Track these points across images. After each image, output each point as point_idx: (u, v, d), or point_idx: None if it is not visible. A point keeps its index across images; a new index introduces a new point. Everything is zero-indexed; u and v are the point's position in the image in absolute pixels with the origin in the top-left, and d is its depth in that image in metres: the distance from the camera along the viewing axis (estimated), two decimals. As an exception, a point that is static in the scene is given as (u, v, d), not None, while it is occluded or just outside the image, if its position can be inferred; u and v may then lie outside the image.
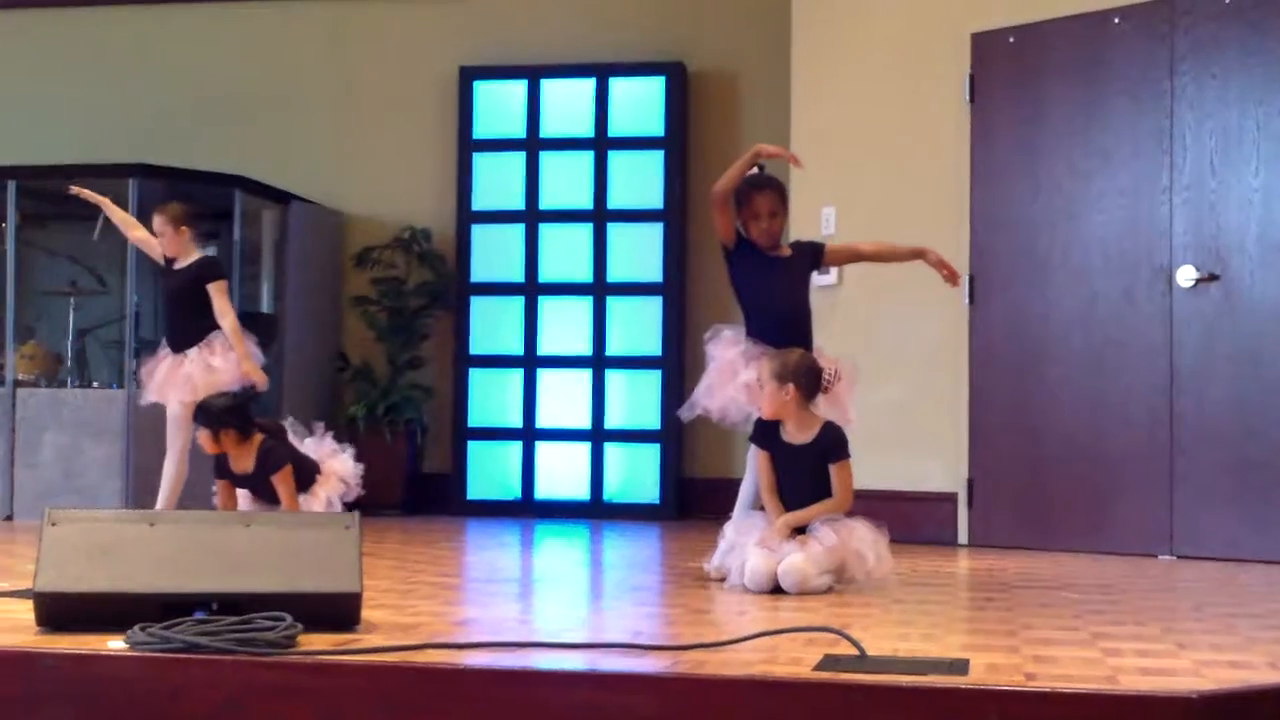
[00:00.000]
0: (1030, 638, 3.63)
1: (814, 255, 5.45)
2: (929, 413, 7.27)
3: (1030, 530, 6.89)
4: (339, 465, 6.17)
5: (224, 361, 6.61)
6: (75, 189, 6.96)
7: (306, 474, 6.05)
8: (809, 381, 4.95)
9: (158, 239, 6.78)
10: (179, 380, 6.60)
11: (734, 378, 5.16)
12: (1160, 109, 6.68)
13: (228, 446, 5.90)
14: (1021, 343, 7.02)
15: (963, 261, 7.11)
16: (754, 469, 5.23)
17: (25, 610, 3.48)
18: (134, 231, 7.00)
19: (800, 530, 4.83)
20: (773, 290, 5.31)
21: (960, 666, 3.06)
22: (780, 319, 5.26)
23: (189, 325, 6.70)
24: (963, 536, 7.11)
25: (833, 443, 4.95)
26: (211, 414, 5.89)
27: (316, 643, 3.19)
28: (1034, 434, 6.96)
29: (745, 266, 5.34)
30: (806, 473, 4.94)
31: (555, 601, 4.82)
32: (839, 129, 7.68)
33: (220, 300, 6.70)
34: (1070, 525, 6.80)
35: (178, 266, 6.77)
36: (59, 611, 3.35)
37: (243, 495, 6.04)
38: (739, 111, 9.48)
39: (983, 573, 5.73)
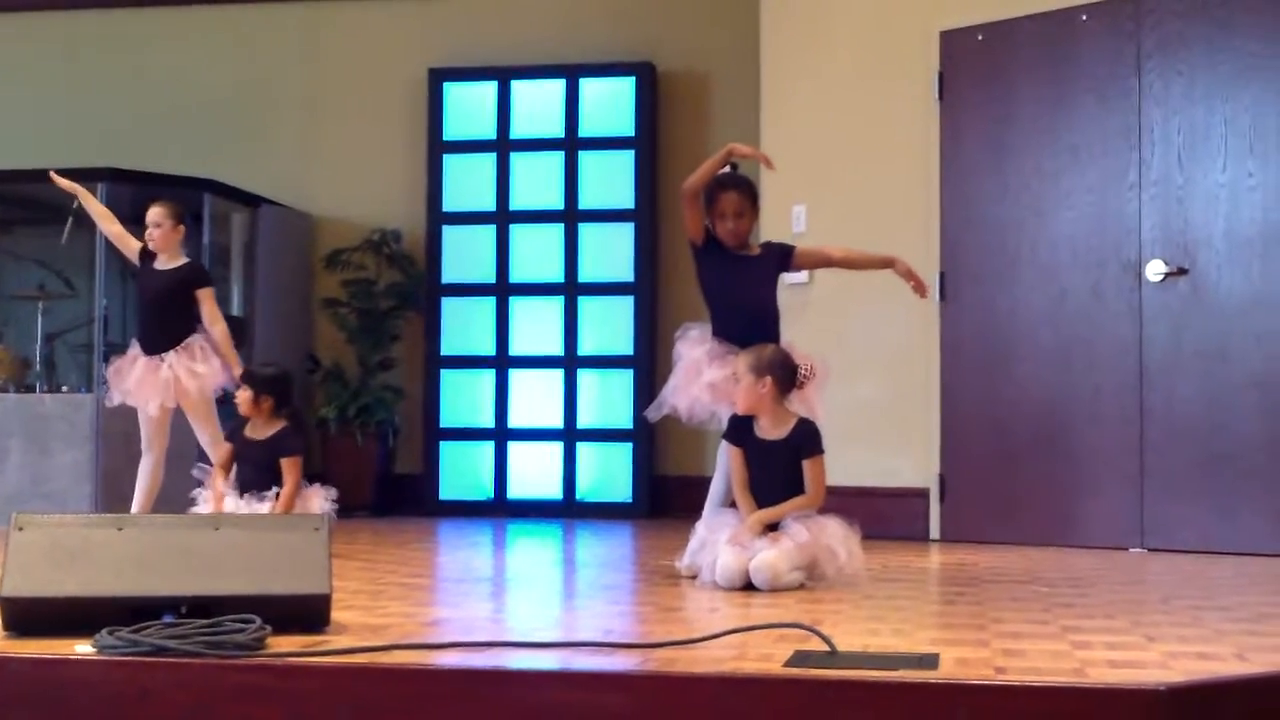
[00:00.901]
0: (1000, 631, 3.64)
1: (783, 257, 5.46)
2: (900, 409, 7.28)
3: (1001, 525, 6.91)
4: (315, 504, 6.12)
5: (206, 367, 6.58)
6: (55, 176, 6.89)
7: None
8: (784, 376, 4.95)
9: (150, 231, 6.68)
10: (159, 384, 6.56)
11: (698, 376, 5.17)
12: (1128, 106, 6.71)
13: (259, 414, 6.11)
14: (991, 339, 7.05)
15: (933, 258, 7.13)
16: (724, 466, 5.24)
17: (-8, 615, 3.46)
18: (111, 225, 6.91)
19: (772, 527, 4.83)
20: (738, 289, 5.31)
21: (930, 661, 3.07)
22: (745, 317, 5.26)
23: (168, 327, 6.64)
24: (934, 532, 7.13)
25: (807, 439, 4.95)
26: (258, 379, 6.14)
27: (286, 644, 3.18)
28: (1004, 429, 6.99)
29: (712, 264, 5.35)
30: (779, 469, 4.94)
31: (527, 601, 4.82)
32: (809, 127, 7.69)
33: (210, 306, 6.67)
34: (1041, 520, 6.82)
35: (160, 267, 6.71)
36: (25, 616, 3.34)
37: (233, 498, 6.06)
38: (709, 111, 9.49)
39: (953, 567, 5.74)
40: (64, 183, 6.87)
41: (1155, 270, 6.58)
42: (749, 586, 4.64)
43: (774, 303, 5.40)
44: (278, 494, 5.93)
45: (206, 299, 6.68)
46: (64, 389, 8.71)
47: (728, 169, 5.36)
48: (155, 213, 6.70)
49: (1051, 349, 6.88)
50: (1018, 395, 6.96)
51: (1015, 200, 7.01)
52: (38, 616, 3.32)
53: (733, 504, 5.07)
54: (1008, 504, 6.95)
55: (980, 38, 7.13)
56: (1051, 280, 6.89)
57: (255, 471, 6.05)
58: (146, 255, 6.75)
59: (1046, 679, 2.86)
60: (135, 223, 6.97)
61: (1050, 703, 2.74)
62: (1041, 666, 3.05)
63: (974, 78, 7.15)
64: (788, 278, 7.26)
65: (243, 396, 6.16)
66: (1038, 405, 6.90)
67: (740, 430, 5.02)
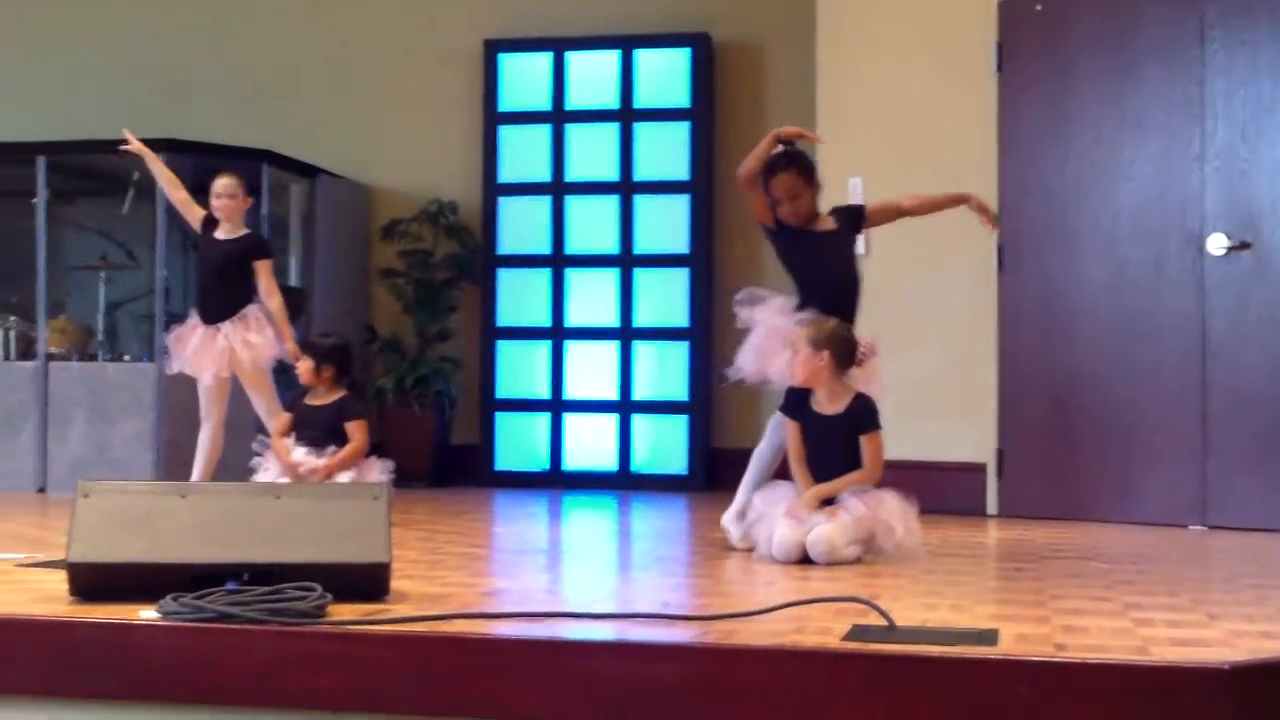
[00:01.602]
0: (1060, 608, 3.62)
1: (854, 221, 5.45)
2: (958, 382, 7.24)
3: (1060, 500, 6.87)
4: (373, 475, 6.20)
5: (260, 337, 6.63)
6: (128, 134, 6.91)
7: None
8: (843, 350, 4.94)
9: (224, 202, 6.73)
10: (215, 353, 6.62)
11: (786, 345, 5.14)
12: (1191, 77, 6.63)
13: (320, 383, 6.26)
14: (1051, 311, 6.99)
15: (991, 230, 7.08)
16: (773, 436, 5.25)
17: (59, 581, 3.50)
18: (176, 192, 6.96)
19: (829, 501, 4.82)
20: (816, 266, 5.31)
21: (989, 637, 3.06)
22: (829, 292, 5.25)
23: (227, 298, 6.70)
24: (992, 507, 7.10)
25: (864, 414, 4.94)
26: (320, 349, 6.31)
27: (346, 613, 3.20)
28: (1064, 403, 6.94)
29: (786, 245, 5.35)
30: (836, 444, 4.93)
31: (583, 572, 4.83)
32: (865, 99, 7.64)
33: (268, 279, 6.73)
34: (1100, 495, 6.78)
35: (221, 236, 6.76)
36: (92, 581, 3.38)
37: (298, 450, 6.19)
38: (765, 82, 9.45)
39: (1012, 543, 5.72)
40: (135, 143, 6.91)
41: (1218, 244, 6.51)
42: (805, 560, 4.63)
43: (854, 272, 5.40)
44: (334, 451, 6.06)
45: (264, 271, 6.73)
46: (126, 358, 8.78)
47: (781, 148, 5.34)
48: (228, 184, 6.75)
49: (1112, 321, 6.82)
50: (1077, 368, 6.91)
51: (1075, 172, 6.95)
52: (104, 582, 3.36)
53: (785, 476, 5.06)
54: (1066, 479, 6.90)
55: (1039, 8, 7.06)
56: (1112, 252, 6.83)
57: (317, 437, 6.14)
58: (208, 224, 6.80)
59: (1108, 656, 2.84)
60: (194, 193, 7.01)
61: (1112, 680, 2.73)
62: (1103, 644, 3.03)
63: (1033, 49, 7.09)
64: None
65: (304, 366, 6.25)
66: (1097, 378, 6.85)
67: (797, 403, 5.01)
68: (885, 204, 5.63)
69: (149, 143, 7.08)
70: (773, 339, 5.19)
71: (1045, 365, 7.01)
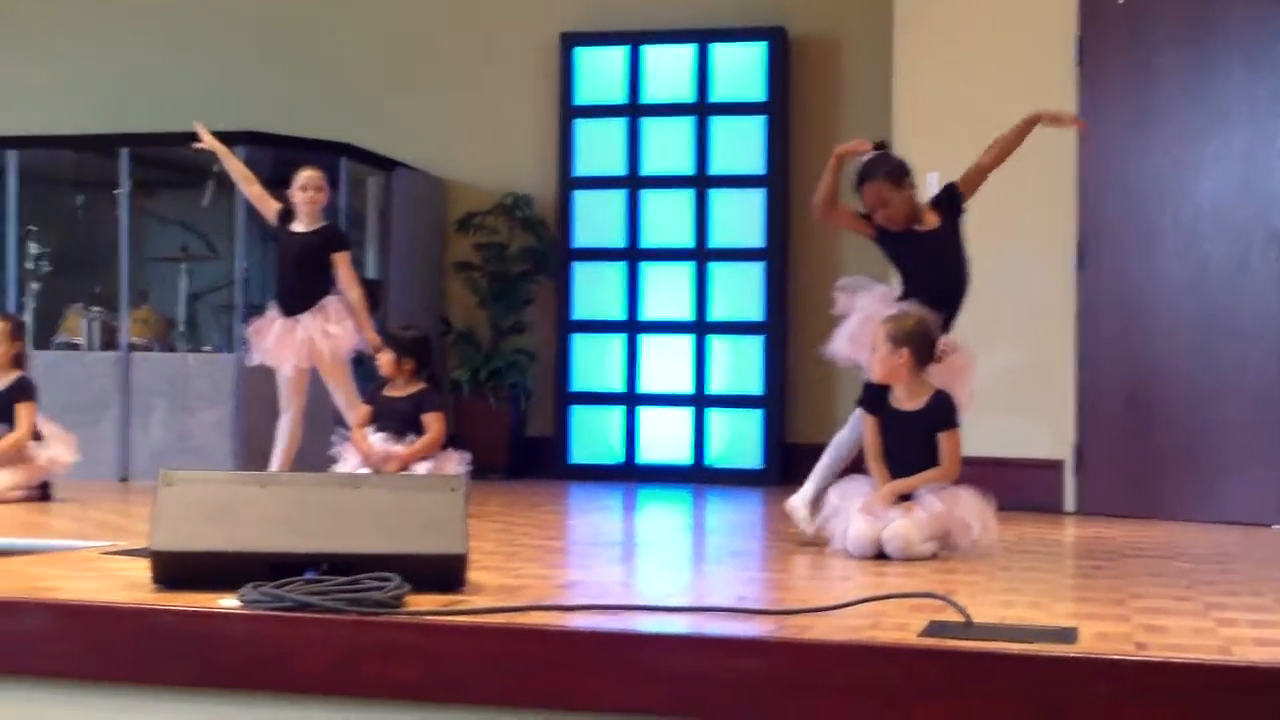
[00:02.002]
0: (1140, 607, 3.58)
1: (953, 203, 5.39)
2: (1036, 379, 7.18)
3: (1139, 498, 6.80)
4: (450, 468, 6.26)
5: (340, 329, 6.69)
6: (200, 129, 6.98)
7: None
8: (923, 348, 4.91)
9: (308, 195, 6.79)
10: (294, 345, 6.68)
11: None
12: (1275, 71, 6.54)
13: (400, 375, 6.34)
14: (1131, 307, 6.92)
15: (1070, 225, 7.03)
16: (853, 428, 5.24)
17: (142, 569, 3.54)
18: (251, 186, 7.03)
19: (905, 497, 4.80)
20: (924, 266, 5.30)
21: (1068, 635, 3.03)
22: (936, 289, 5.23)
23: (306, 289, 6.77)
24: (1070, 504, 7.04)
25: (942, 411, 4.91)
26: (401, 342, 6.39)
27: (423, 603, 3.22)
28: (1143, 400, 6.86)
29: (892, 249, 5.35)
30: (914, 440, 4.90)
31: (658, 565, 4.84)
32: (943, 93, 7.58)
33: (347, 270, 6.79)
34: (1180, 493, 6.70)
35: (299, 229, 6.82)
36: (174, 570, 3.41)
37: (376, 438, 6.26)
38: (841, 76, 9.40)
39: (1090, 541, 5.67)
40: (208, 139, 6.98)
41: (1303, 240, 6.42)
42: (881, 556, 4.61)
43: (961, 267, 5.34)
44: (413, 440, 6.14)
45: (343, 263, 6.78)
46: (206, 349, 8.88)
47: (870, 153, 5.32)
48: (313, 177, 6.81)
49: (1193, 317, 6.74)
50: (1157, 365, 6.84)
51: (1157, 167, 6.87)
52: (185, 570, 3.40)
53: (860, 470, 5.03)
54: (1145, 477, 6.83)
55: (1120, 1, 6.98)
56: (1193, 247, 6.75)
57: (395, 428, 6.21)
58: (285, 217, 6.86)
59: (1190, 655, 2.81)
60: (273, 185, 7.08)
61: (1194, 680, 2.70)
62: (1184, 643, 3.00)
63: (1114, 43, 7.01)
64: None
65: (385, 359, 6.31)
66: (1178, 375, 6.77)
67: (876, 399, 4.99)
68: (970, 171, 5.51)
69: (228, 136, 7.15)
70: (869, 326, 5.16)
71: (1124, 361, 6.94)
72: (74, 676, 3.11)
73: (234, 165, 7.05)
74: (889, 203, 5.24)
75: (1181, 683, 2.71)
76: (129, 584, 3.51)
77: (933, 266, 5.29)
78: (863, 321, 5.21)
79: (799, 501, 5.31)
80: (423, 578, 3.37)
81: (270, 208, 6.92)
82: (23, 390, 6.66)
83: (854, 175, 5.34)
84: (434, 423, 6.27)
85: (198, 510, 3.48)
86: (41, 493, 6.59)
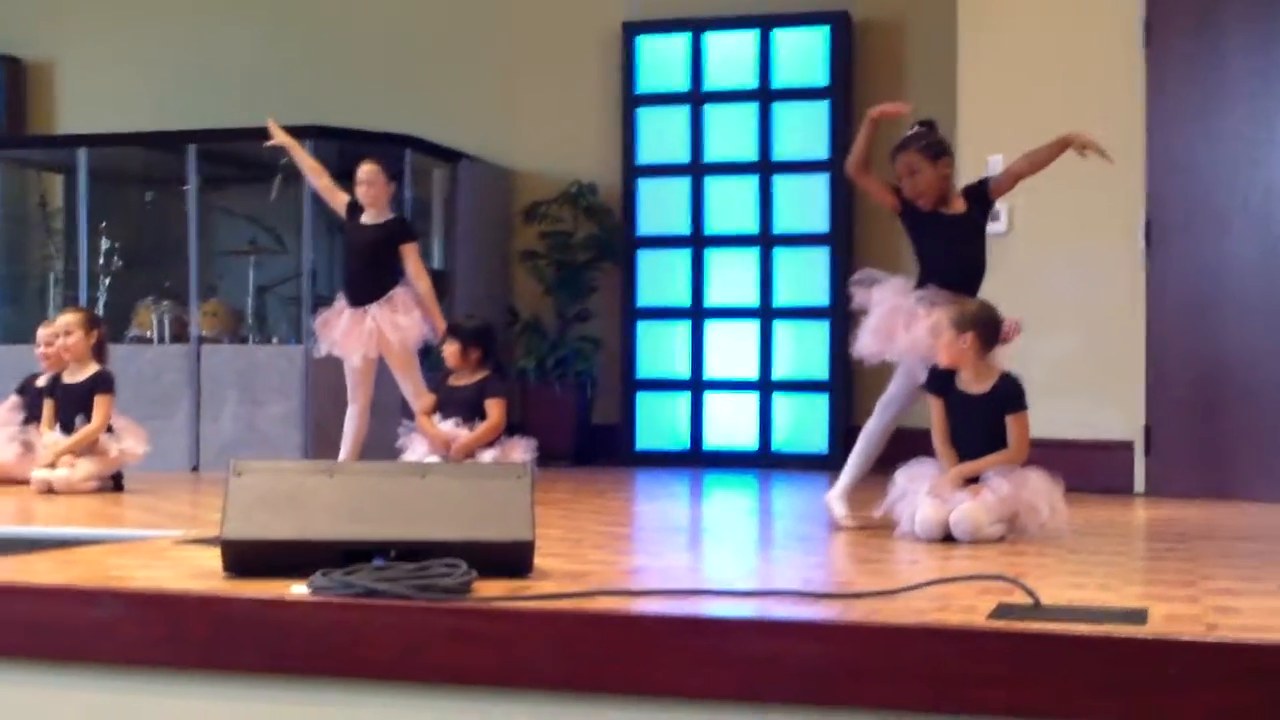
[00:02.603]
0: (1211, 588, 3.55)
1: (983, 196, 5.35)
2: (1104, 360, 7.13)
3: (1210, 479, 6.73)
4: (517, 455, 6.32)
5: (408, 319, 6.72)
6: (272, 124, 7.03)
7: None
8: (987, 331, 4.87)
9: (364, 189, 6.83)
10: (363, 335, 6.72)
11: (913, 322, 5.09)
12: (1347, 45, 6.45)
13: (466, 365, 6.45)
14: (1200, 289, 6.85)
15: (1138, 207, 6.96)
16: (881, 413, 5.21)
17: (213, 557, 3.58)
18: (320, 179, 7.08)
19: (973, 480, 4.77)
20: (943, 248, 5.24)
21: (1139, 616, 3.01)
22: (952, 274, 5.18)
23: (373, 280, 6.81)
24: (1139, 486, 6.98)
25: (1010, 394, 4.88)
26: (465, 331, 6.51)
27: (491, 589, 3.23)
28: (1214, 381, 6.79)
29: (915, 227, 5.30)
30: (981, 423, 4.87)
31: (725, 550, 4.84)
32: (1007, 76, 7.52)
33: (415, 261, 6.82)
34: (1252, 474, 6.63)
35: (367, 221, 6.87)
36: (244, 558, 3.45)
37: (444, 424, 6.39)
38: (905, 60, 9.36)
39: (1161, 523, 5.62)
40: (279, 134, 7.03)
41: (1376, 217, 6.34)
42: (948, 539, 4.60)
43: (980, 256, 5.29)
44: (479, 425, 6.20)
45: (411, 253, 6.82)
46: (275, 341, 8.96)
47: (915, 129, 5.29)
48: (368, 170, 6.85)
49: (1264, 299, 6.66)
50: (1227, 346, 6.77)
51: (1226, 149, 6.79)
52: (256, 558, 3.44)
53: (935, 453, 5.01)
54: (1216, 458, 6.76)
55: (1189, -21, 6.91)
56: (1264, 229, 6.67)
57: (461, 416, 6.27)
58: (353, 209, 6.91)
59: (1262, 636, 2.78)
60: (340, 178, 7.13)
61: (1268, 661, 2.67)
62: (1256, 624, 2.97)
63: (1181, 23, 6.93)
64: (987, 227, 7.16)
65: (451, 349, 6.37)
66: (1248, 357, 6.70)
67: (941, 381, 4.96)
68: (1004, 174, 5.46)
69: (295, 130, 7.20)
70: (893, 318, 5.14)
71: (1194, 343, 6.87)
72: (147, 663, 3.15)
73: (304, 159, 7.10)
74: (918, 172, 5.19)
75: (1254, 664, 2.68)
76: (200, 572, 3.55)
77: (953, 252, 5.23)
78: (885, 315, 5.17)
79: (835, 496, 5.29)
80: (490, 564, 3.39)
81: (339, 200, 6.96)
82: (102, 383, 6.74)
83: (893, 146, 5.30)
84: (495, 408, 6.34)
85: (267, 499, 3.51)
86: (114, 484, 6.68)
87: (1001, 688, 2.75)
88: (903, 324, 5.10)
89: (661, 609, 3.13)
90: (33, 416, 7.02)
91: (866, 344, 5.24)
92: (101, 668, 3.17)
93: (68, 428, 6.70)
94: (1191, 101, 6.89)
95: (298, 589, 3.18)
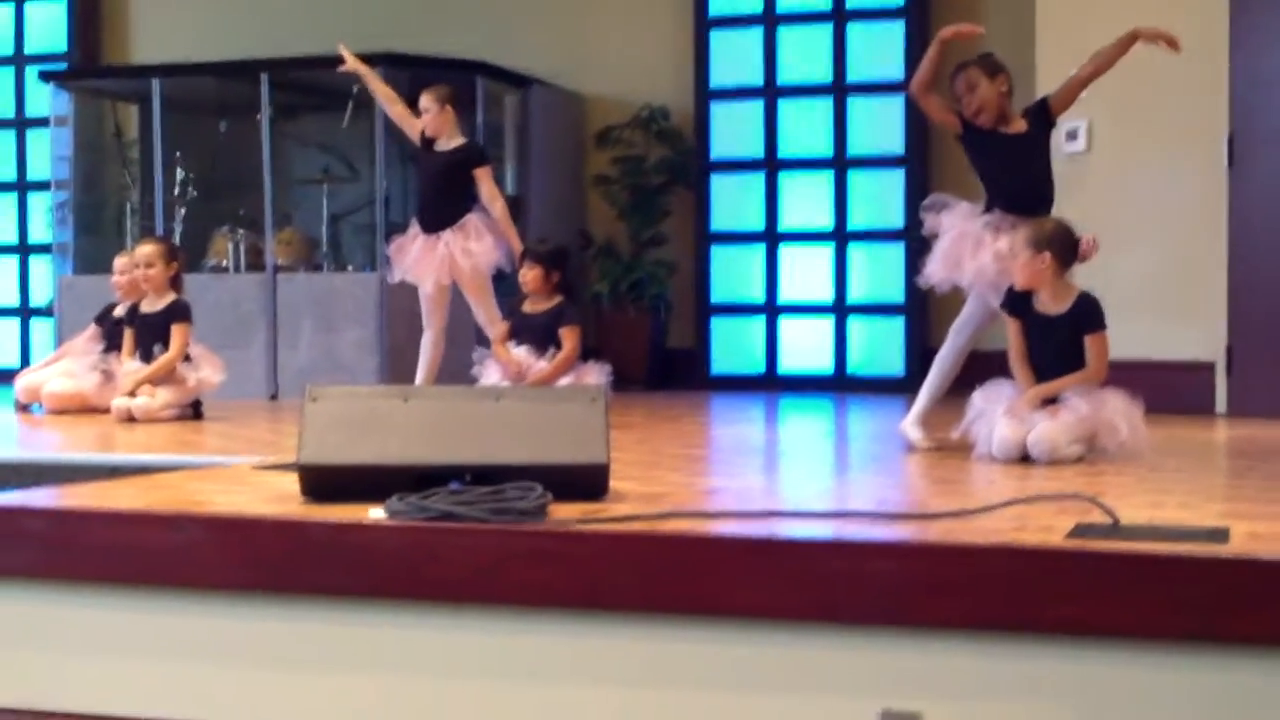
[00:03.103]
0: (1294, 506, 3.50)
1: (1043, 113, 5.24)
2: (1185, 278, 7.02)
3: (1293, 399, 6.63)
4: (592, 380, 6.33)
5: (480, 245, 6.72)
6: (344, 50, 7.03)
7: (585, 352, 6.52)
8: (1065, 250, 4.80)
9: (424, 116, 6.84)
10: (435, 262, 6.73)
11: (978, 247, 5.03)
12: None
13: (547, 288, 6.42)
14: (1284, 205, 6.72)
15: (1221, 121, 6.83)
16: (955, 338, 5.16)
17: (291, 482, 3.61)
18: (394, 107, 7.08)
19: (1051, 401, 4.72)
20: (1006, 168, 5.16)
21: (1221, 535, 2.97)
22: (1018, 195, 5.10)
23: (446, 207, 6.80)
24: (1220, 406, 6.89)
25: (1088, 314, 4.81)
26: (542, 255, 6.46)
27: (566, 512, 3.24)
28: (1298, 299, 6.67)
29: (975, 148, 5.22)
30: (1059, 343, 4.81)
31: (800, 472, 4.83)
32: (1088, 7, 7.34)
33: (489, 185, 6.81)
34: (1337, 394, 6.52)
35: (439, 148, 6.86)
36: (322, 483, 3.47)
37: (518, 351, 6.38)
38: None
39: (1242, 442, 5.55)
40: (352, 61, 7.02)
41: None
42: (1026, 460, 4.56)
43: (1045, 173, 5.20)
44: (554, 354, 6.18)
45: (484, 178, 6.81)
46: (349, 268, 9.01)
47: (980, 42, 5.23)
48: (423, 99, 6.84)
49: (1350, 214, 6.53)
50: (1313, 263, 6.64)
51: (1312, 58, 6.64)
52: (332, 483, 3.46)
53: (1014, 375, 4.95)
54: (1300, 377, 6.66)
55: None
56: (1351, 142, 6.53)
57: (534, 343, 6.27)
58: (427, 136, 6.90)
59: (1347, 554, 2.74)
60: (413, 106, 7.11)
61: (1351, 577, 2.63)
62: (1340, 541, 2.92)
63: (1267, -69, 6.76)
64: (1064, 147, 7.05)
65: (533, 273, 6.36)
66: (1334, 273, 6.58)
67: (1019, 302, 4.90)
68: (1066, 84, 5.35)
69: (366, 57, 7.19)
70: (962, 244, 5.08)
71: (1277, 260, 6.74)
72: (225, 587, 3.18)
73: (378, 86, 7.09)
74: (976, 88, 5.10)
75: (1338, 582, 2.64)
76: (279, 497, 3.58)
77: (1016, 172, 5.13)
78: (954, 240, 5.11)
79: (911, 422, 5.25)
80: (565, 487, 3.39)
81: (413, 127, 6.95)
82: (179, 312, 6.80)
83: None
84: (570, 337, 6.32)
85: (343, 425, 3.53)
86: (193, 412, 6.74)
87: (1079, 607, 2.73)
88: (970, 250, 5.04)
89: (737, 530, 3.13)
90: (111, 346, 7.12)
91: (935, 271, 5.19)
92: (180, 592, 3.21)
93: (146, 357, 6.77)
94: (1275, 14, 6.73)
95: (374, 513, 3.20)
